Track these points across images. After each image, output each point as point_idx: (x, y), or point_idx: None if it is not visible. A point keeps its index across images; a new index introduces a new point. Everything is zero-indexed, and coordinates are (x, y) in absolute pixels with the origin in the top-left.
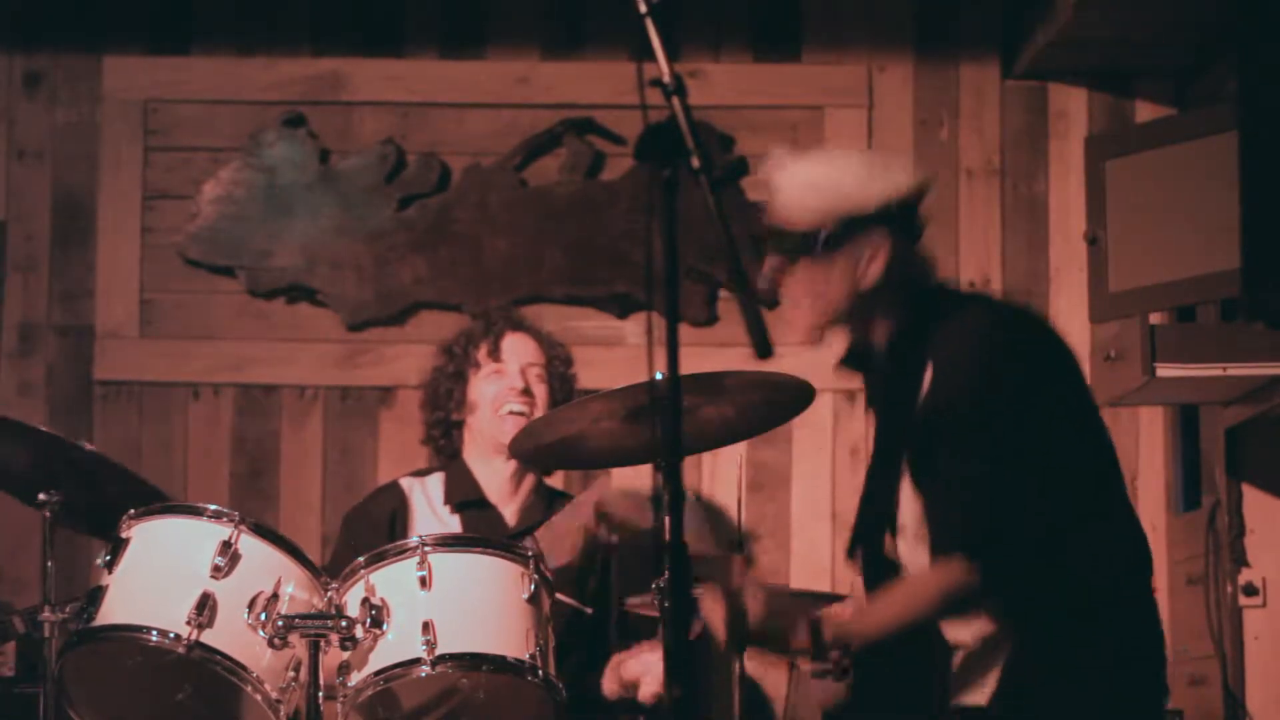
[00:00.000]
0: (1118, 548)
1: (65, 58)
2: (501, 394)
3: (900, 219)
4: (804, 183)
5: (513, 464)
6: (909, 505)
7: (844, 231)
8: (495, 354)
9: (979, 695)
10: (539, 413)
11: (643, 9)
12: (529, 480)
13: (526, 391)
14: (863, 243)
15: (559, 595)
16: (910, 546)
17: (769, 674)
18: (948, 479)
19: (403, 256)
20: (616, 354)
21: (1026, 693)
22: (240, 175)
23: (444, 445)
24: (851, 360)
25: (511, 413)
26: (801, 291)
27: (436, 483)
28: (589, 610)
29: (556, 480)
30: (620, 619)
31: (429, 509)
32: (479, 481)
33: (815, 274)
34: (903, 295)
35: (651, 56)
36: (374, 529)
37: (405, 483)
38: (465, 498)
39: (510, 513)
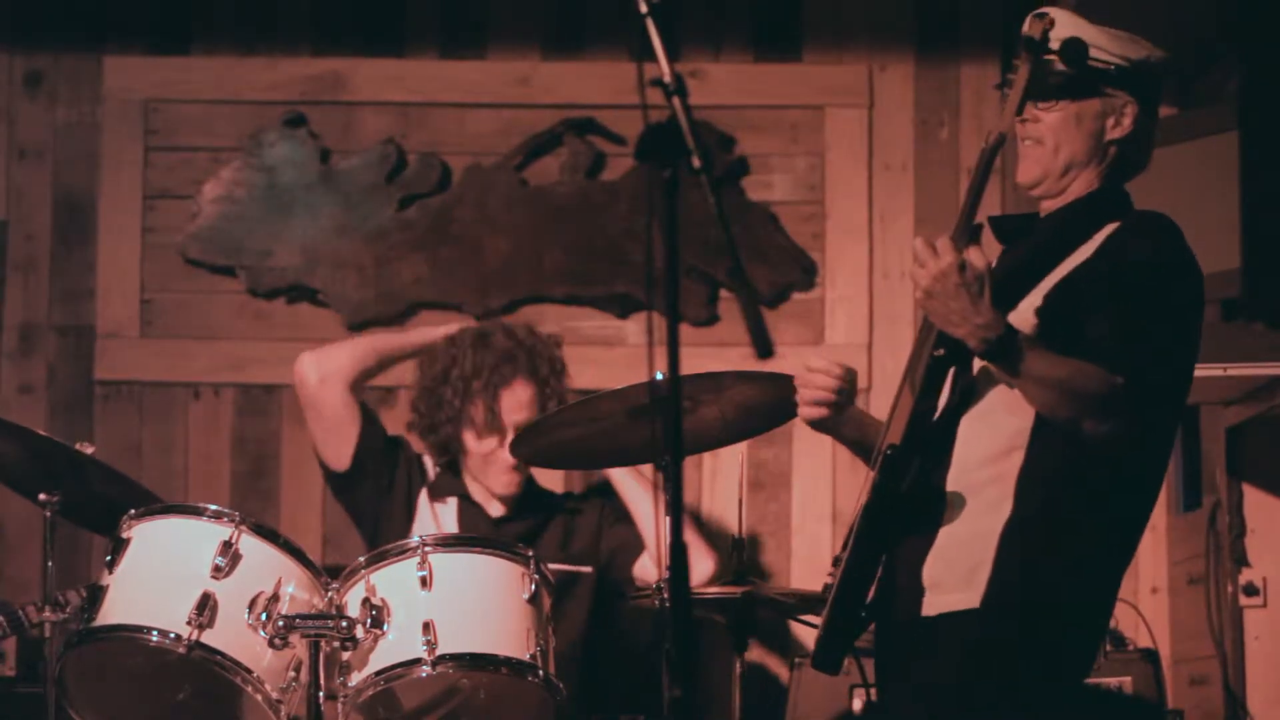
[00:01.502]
0: (1153, 488)
1: (66, 57)
2: (497, 466)
3: (1150, 88)
4: (1088, 26)
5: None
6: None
7: (1115, 79)
8: (493, 422)
9: (963, 596)
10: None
11: (643, 9)
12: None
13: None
14: (1122, 99)
15: (555, 566)
16: (981, 423)
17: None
18: (1125, 326)
19: (403, 256)
20: (617, 354)
21: (1031, 593)
22: (241, 175)
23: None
24: (1004, 225)
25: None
26: (1049, 132)
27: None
28: (588, 569)
29: (555, 480)
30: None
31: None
32: (479, 502)
33: (1069, 117)
34: (1117, 167)
35: (652, 56)
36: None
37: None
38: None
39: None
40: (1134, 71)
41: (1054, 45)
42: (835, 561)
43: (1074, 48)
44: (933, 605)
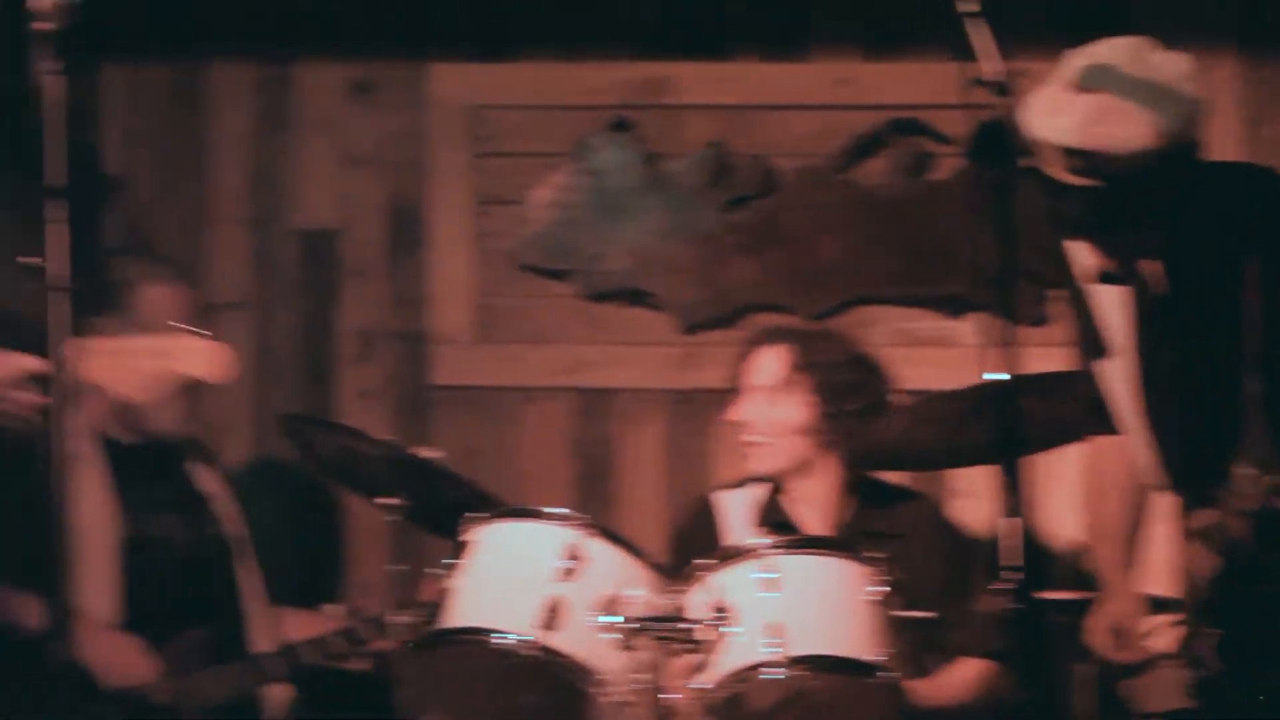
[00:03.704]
0: None
1: (393, 65)
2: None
3: None
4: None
5: (815, 481)
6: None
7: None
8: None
9: None
10: (778, 432)
11: (967, 9)
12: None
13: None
14: None
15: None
16: None
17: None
18: None
19: (732, 258)
20: (949, 355)
21: None
22: (569, 180)
23: None
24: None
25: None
26: None
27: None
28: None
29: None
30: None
31: (740, 526)
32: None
33: None
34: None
35: (976, 56)
36: (688, 552)
37: (718, 498)
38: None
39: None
40: None
41: None
42: None
43: None
44: None
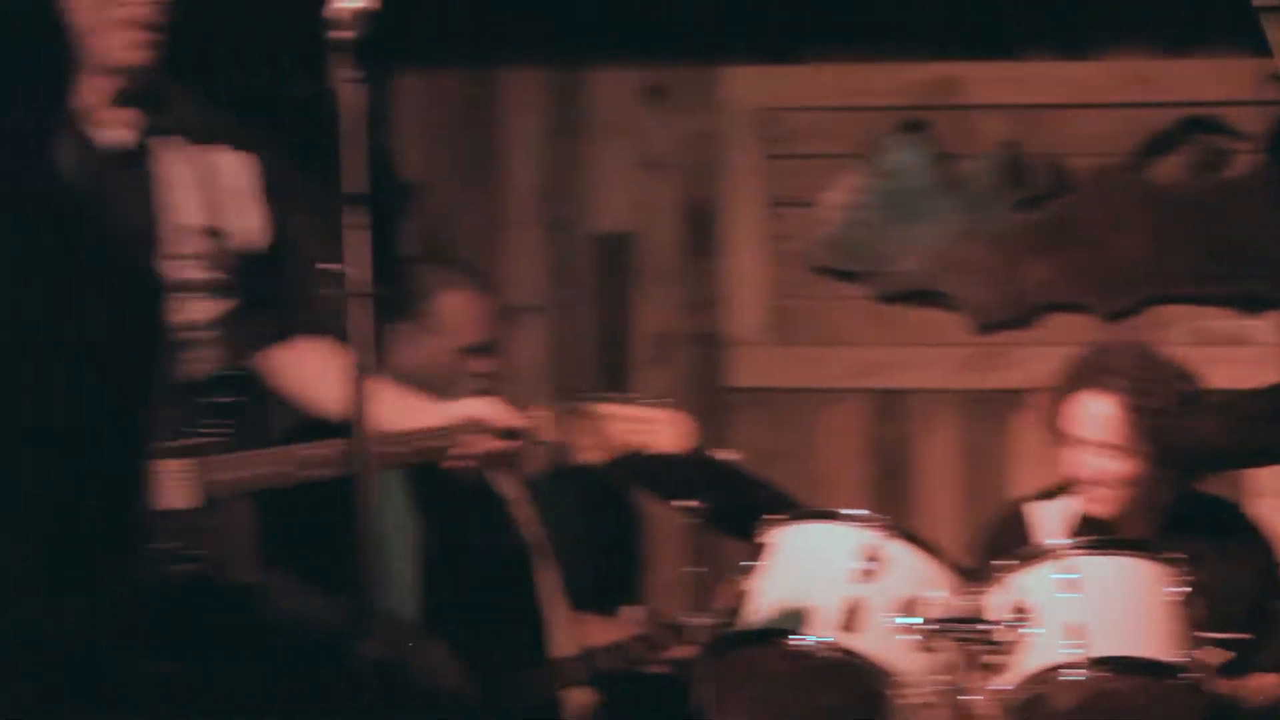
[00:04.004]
0: None
1: (686, 69)
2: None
3: None
4: None
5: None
6: None
7: None
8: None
9: None
10: (1115, 483)
11: (1264, 4)
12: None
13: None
14: None
15: None
16: None
17: None
18: None
19: (1027, 259)
20: (1247, 353)
21: None
22: (862, 181)
23: None
24: None
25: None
26: None
27: (1058, 512)
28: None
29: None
30: None
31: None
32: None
33: None
34: None
35: (1274, 52)
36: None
37: (1027, 509)
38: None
39: None
40: None
41: None
42: None
43: None
44: None
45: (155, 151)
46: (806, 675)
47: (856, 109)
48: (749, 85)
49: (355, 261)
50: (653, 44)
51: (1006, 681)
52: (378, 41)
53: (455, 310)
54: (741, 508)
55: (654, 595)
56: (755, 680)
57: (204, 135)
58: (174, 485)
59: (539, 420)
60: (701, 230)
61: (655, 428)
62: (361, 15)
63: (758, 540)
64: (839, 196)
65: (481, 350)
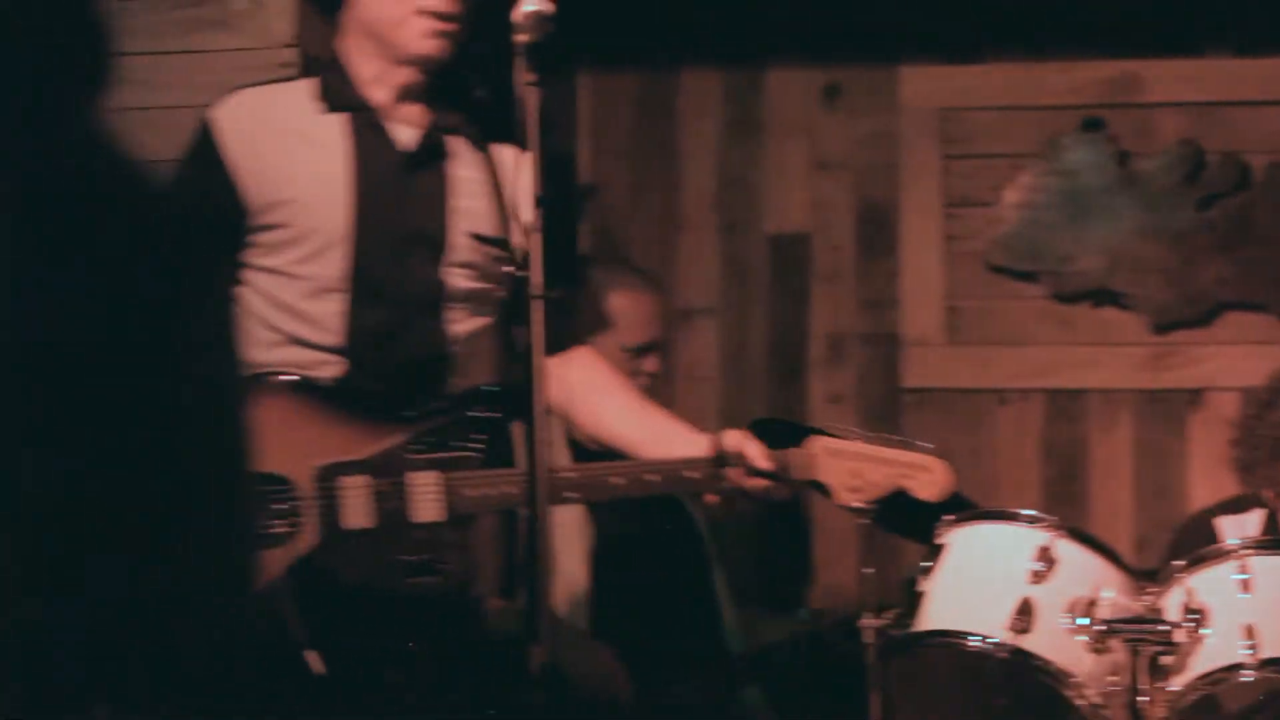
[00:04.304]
0: None
1: (863, 69)
2: None
3: None
4: None
5: None
6: None
7: None
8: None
9: None
10: None
11: None
12: None
13: None
14: None
15: None
16: None
17: None
18: None
19: (1206, 257)
20: None
21: None
22: (1039, 180)
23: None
24: None
25: None
26: None
27: (1252, 525)
28: None
29: None
30: None
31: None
32: None
33: None
34: None
35: None
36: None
37: (1220, 522)
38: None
39: None
40: None
41: None
42: None
43: None
44: None
45: (449, 151)
46: (980, 676)
47: (1034, 108)
48: (927, 85)
49: (533, 264)
50: (830, 44)
51: (1178, 683)
52: (556, 44)
53: (624, 309)
54: (914, 508)
55: (823, 596)
56: (929, 682)
57: (486, 133)
58: (425, 498)
59: (795, 459)
60: (877, 231)
61: (919, 474)
62: (540, 18)
63: (933, 541)
64: (1016, 196)
65: (649, 350)
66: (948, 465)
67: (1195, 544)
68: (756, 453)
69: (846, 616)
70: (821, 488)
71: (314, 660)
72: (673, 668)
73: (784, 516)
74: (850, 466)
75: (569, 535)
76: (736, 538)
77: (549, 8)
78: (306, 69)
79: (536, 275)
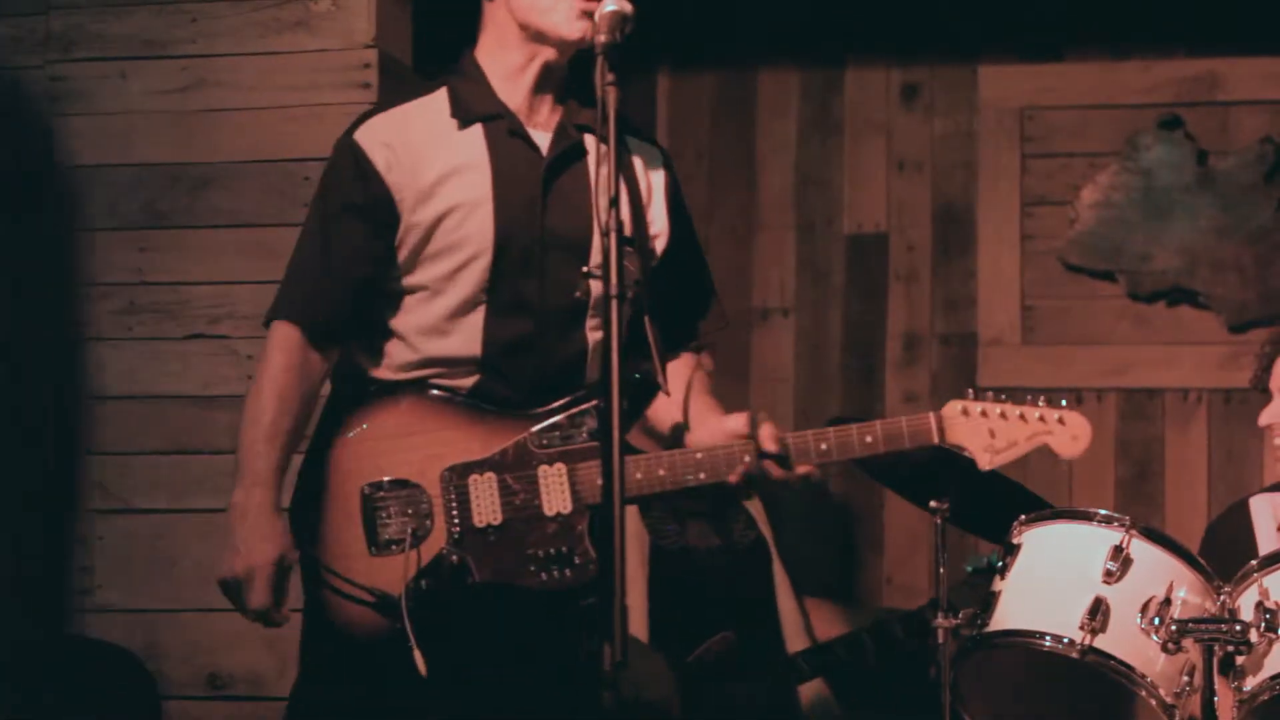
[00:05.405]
0: None
1: (942, 68)
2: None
3: None
4: None
5: None
6: None
7: None
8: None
9: None
10: None
11: None
12: None
13: None
14: None
15: None
16: None
17: None
18: None
19: None
20: None
21: None
22: (1118, 179)
23: None
24: None
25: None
26: None
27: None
28: None
29: None
30: None
31: (1272, 530)
32: None
33: None
34: None
35: None
36: (1219, 553)
37: (1254, 502)
38: None
39: None
40: None
41: None
42: None
43: None
44: None
45: (590, 151)
46: (1053, 675)
47: (1113, 106)
48: (1005, 84)
49: (609, 263)
50: (909, 43)
51: (1252, 683)
52: (636, 44)
53: None
54: (988, 506)
55: (895, 595)
56: (1001, 680)
57: (624, 131)
58: (553, 490)
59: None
60: (955, 230)
61: (1059, 430)
62: (621, 19)
63: (1008, 540)
64: (1094, 195)
65: None
66: (1088, 421)
67: (1228, 526)
68: (768, 435)
69: (917, 613)
70: (961, 454)
71: (419, 661)
72: (730, 665)
73: (855, 513)
74: (988, 425)
75: (629, 536)
76: (808, 531)
77: (629, 8)
78: (383, 69)
79: (613, 273)
